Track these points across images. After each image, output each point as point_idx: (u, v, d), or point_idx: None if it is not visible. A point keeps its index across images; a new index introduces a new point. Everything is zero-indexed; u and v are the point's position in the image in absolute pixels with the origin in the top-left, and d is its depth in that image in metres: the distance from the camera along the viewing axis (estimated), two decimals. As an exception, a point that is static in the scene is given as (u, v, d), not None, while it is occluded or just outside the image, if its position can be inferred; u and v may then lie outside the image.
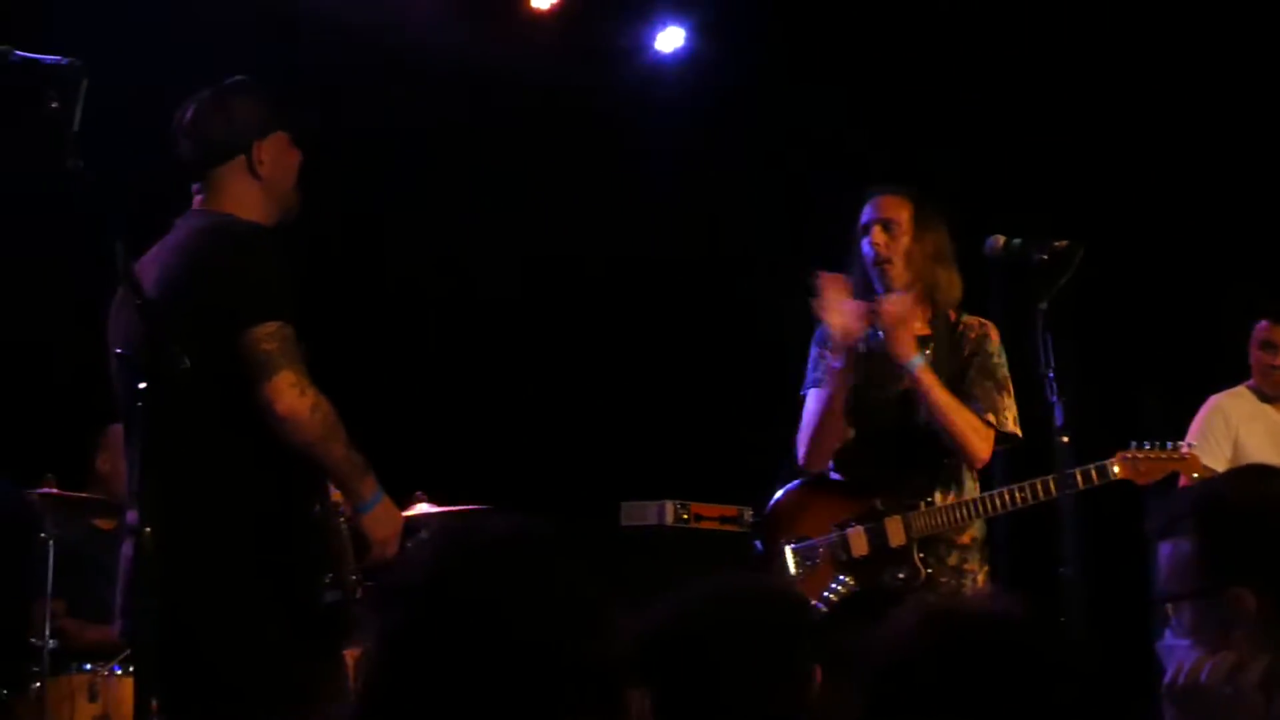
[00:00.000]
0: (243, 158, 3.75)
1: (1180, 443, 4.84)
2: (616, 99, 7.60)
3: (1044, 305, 4.25)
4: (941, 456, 4.73)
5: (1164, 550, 2.20)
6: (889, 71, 7.26)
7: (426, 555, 1.85)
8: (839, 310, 4.70)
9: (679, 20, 7.65)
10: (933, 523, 4.65)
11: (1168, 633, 2.26)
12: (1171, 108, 7.01)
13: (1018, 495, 4.59)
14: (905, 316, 4.69)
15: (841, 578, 4.68)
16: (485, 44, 7.11)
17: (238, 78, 3.88)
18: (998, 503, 4.62)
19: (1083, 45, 7.08)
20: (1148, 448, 4.73)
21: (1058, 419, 4.12)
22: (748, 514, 7.04)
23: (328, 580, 3.60)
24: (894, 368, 4.73)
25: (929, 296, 4.82)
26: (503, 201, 7.46)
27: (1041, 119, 7.11)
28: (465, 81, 7.22)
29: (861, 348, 4.77)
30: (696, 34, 7.65)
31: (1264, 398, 5.86)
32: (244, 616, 3.53)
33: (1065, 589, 4.08)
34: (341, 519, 3.68)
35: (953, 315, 4.85)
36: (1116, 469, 4.68)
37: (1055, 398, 4.14)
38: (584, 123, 7.47)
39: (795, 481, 4.91)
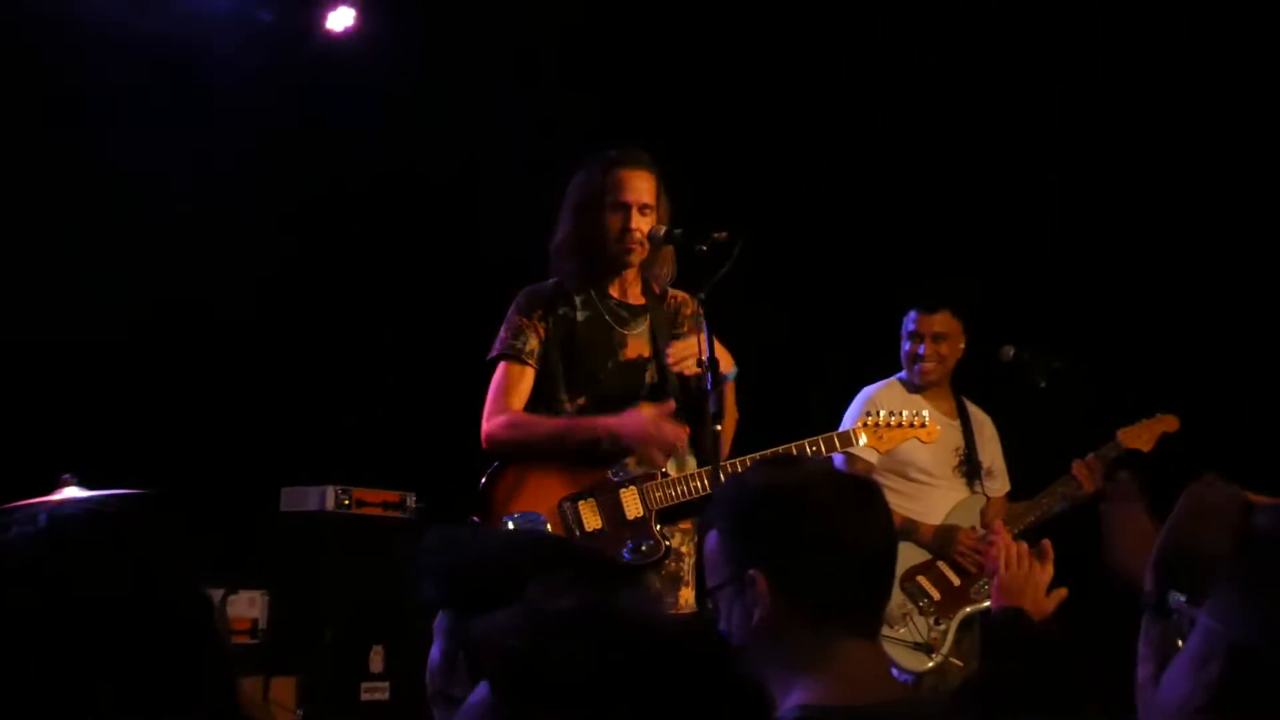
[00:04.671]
0: None
1: (920, 412, 4.84)
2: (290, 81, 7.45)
3: (703, 295, 4.30)
4: None
5: (708, 542, 2.22)
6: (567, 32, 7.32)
7: None
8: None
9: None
10: (670, 494, 4.52)
11: None
12: (835, 107, 7.21)
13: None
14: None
15: None
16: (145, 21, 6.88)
17: None
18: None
19: (745, 40, 7.23)
20: (884, 415, 4.78)
21: (711, 407, 4.14)
22: (411, 499, 7.00)
23: None
24: (616, 336, 4.65)
25: (647, 270, 4.72)
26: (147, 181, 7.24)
27: (705, 113, 7.24)
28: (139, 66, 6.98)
29: (580, 316, 4.63)
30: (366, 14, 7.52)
31: (913, 389, 5.90)
32: None
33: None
34: None
35: (657, 288, 4.76)
36: (864, 437, 4.69)
37: (710, 387, 4.17)
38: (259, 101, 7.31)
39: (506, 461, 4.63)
